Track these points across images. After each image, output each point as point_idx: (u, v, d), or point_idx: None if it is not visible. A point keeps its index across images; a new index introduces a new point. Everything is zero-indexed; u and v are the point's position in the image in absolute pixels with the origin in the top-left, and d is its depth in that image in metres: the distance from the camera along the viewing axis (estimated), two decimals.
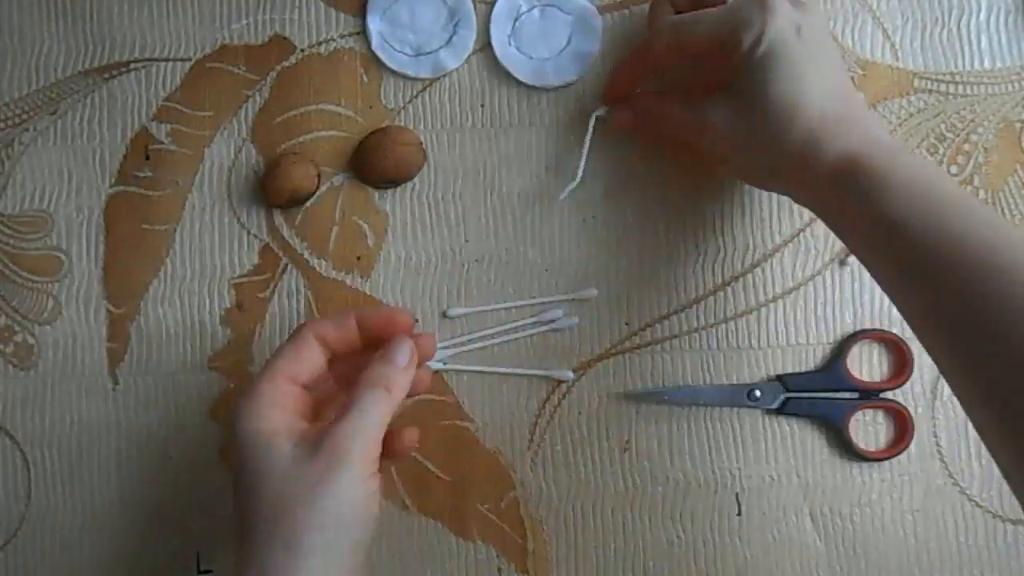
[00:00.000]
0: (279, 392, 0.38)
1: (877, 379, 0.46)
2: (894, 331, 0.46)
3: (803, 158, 0.38)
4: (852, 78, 0.47)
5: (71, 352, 0.46)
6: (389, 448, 0.39)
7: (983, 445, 0.34)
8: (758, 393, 0.45)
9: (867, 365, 0.46)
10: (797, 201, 0.41)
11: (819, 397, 0.46)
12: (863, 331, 0.46)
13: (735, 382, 0.46)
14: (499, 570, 0.45)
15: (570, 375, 0.46)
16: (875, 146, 0.37)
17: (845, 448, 0.45)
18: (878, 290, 0.46)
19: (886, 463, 0.46)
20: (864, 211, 0.36)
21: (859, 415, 0.46)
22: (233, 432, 0.37)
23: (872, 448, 0.46)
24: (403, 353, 0.39)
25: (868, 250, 0.38)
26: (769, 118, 0.39)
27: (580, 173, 0.46)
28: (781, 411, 0.45)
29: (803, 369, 0.46)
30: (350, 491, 0.36)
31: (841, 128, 0.38)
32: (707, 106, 0.41)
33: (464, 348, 0.46)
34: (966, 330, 0.33)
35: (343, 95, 0.47)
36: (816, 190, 0.39)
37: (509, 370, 0.46)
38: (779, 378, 0.46)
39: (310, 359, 0.39)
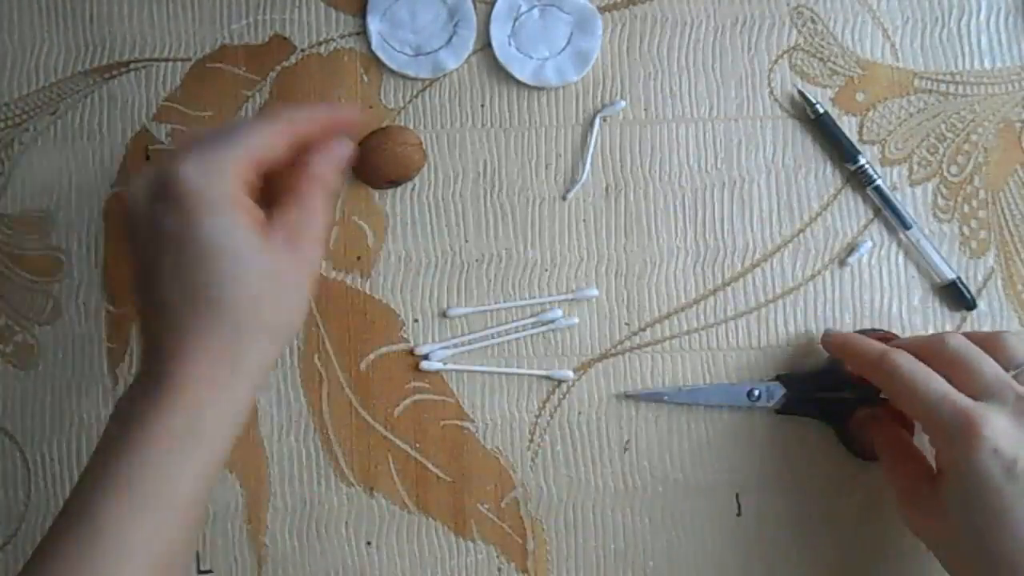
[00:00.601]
0: (247, 172, 0.35)
1: None
2: (894, 331, 0.46)
3: None
4: (852, 78, 0.47)
5: (71, 352, 0.46)
6: None
7: None
8: (758, 393, 0.45)
9: None
10: None
11: (819, 397, 0.45)
12: (863, 331, 0.46)
13: (735, 382, 0.46)
14: (499, 570, 0.45)
15: (570, 375, 0.46)
16: None
17: (845, 448, 0.45)
18: (878, 290, 0.46)
19: None
20: None
21: (859, 415, 0.46)
22: (192, 202, 0.33)
23: (872, 448, 0.46)
24: (348, 153, 0.40)
25: None
26: (959, 555, 0.35)
27: (585, 173, 0.46)
28: (781, 411, 0.45)
29: (803, 369, 0.46)
30: (309, 290, 0.37)
31: None
32: (914, 488, 0.38)
33: (464, 348, 0.46)
34: None
35: (343, 95, 0.47)
36: None
37: (509, 370, 0.46)
38: (779, 378, 0.46)
39: (277, 151, 0.36)
